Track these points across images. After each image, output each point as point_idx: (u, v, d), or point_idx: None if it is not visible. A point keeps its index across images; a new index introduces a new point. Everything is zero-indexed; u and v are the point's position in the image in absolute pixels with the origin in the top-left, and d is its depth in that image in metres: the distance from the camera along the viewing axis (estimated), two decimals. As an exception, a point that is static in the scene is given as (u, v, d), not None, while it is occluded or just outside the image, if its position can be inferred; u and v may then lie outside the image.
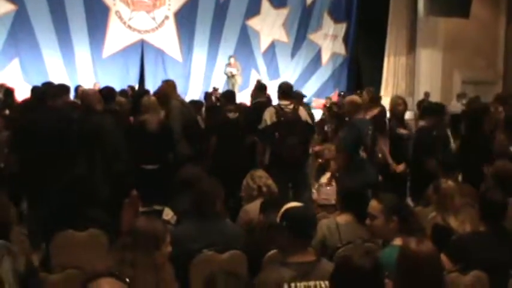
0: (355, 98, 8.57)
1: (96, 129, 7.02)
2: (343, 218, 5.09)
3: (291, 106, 8.23)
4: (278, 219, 3.87)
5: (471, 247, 4.33)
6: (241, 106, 10.40)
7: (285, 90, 8.63)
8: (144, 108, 8.15)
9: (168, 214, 5.51)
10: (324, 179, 8.35)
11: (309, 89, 21.92)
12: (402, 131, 8.81)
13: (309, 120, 8.91)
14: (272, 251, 4.44)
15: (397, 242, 4.14)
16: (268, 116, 8.46)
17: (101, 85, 13.64)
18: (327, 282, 3.45)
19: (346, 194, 5.25)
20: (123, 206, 4.73)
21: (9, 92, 11.60)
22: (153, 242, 3.55)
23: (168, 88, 8.93)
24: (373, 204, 4.46)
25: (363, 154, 7.64)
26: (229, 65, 20.24)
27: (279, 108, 8.29)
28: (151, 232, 3.58)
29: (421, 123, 8.95)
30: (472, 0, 19.62)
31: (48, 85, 8.74)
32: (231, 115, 8.84)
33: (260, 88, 10.33)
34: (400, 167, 8.32)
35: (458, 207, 5.38)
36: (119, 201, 5.15)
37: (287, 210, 3.88)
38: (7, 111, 9.98)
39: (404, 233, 4.13)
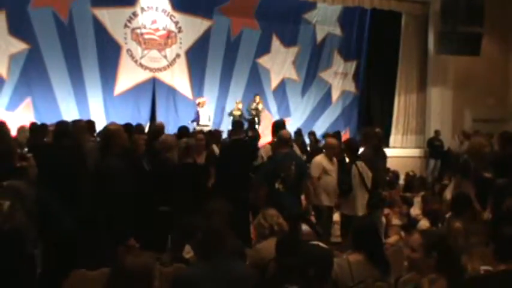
0: (283, 132, 8.71)
1: (104, 173, 6.87)
2: (354, 257, 5.06)
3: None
4: (296, 260, 3.85)
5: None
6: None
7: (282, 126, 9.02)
8: (164, 147, 8.13)
9: (188, 252, 5.49)
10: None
11: (319, 128, 21.96)
12: (487, 175, 8.56)
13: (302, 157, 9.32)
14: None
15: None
16: (265, 153, 8.71)
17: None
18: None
19: (357, 233, 5.23)
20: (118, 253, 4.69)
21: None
22: (146, 280, 3.49)
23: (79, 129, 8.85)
24: (415, 237, 4.42)
25: (279, 187, 7.81)
26: (254, 101, 20.45)
27: None
28: (143, 270, 3.50)
29: None
30: (483, 39, 19.71)
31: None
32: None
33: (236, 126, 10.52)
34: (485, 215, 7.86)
35: (468, 247, 5.35)
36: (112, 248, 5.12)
37: (306, 251, 3.86)
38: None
39: (442, 270, 4.08)
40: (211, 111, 20.56)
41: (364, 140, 10.16)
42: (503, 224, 5.35)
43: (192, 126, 17.50)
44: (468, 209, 6.90)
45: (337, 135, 16.10)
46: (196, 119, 19.13)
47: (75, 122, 8.89)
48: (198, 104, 19.49)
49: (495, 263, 4.48)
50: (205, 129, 17.67)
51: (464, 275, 4.47)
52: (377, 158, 9.56)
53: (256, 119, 19.52)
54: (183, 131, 10.84)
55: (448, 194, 8.48)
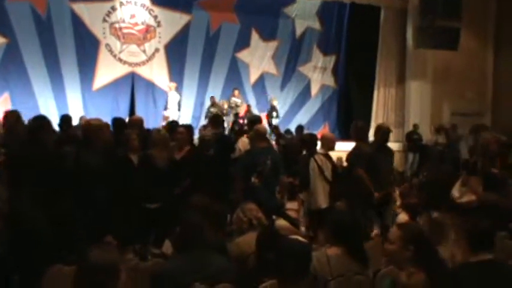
0: (260, 127, 8.76)
1: (85, 170, 6.64)
2: (333, 251, 5.06)
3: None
4: (275, 254, 3.85)
5: (461, 279, 4.30)
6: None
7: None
8: (153, 143, 8.08)
9: (168, 248, 5.47)
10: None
11: (299, 122, 21.95)
12: (495, 171, 8.46)
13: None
14: (263, 285, 4.42)
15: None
16: (242, 146, 8.76)
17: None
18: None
19: (337, 228, 5.23)
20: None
21: None
22: (112, 273, 3.41)
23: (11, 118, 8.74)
24: (393, 230, 4.47)
25: (255, 180, 7.85)
26: (233, 95, 20.45)
27: None
28: (109, 264, 3.43)
29: None
30: (461, 33, 19.82)
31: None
32: None
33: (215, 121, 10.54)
34: None
35: (446, 240, 5.38)
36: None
37: (284, 245, 3.86)
38: None
39: (419, 263, 4.10)
40: (191, 106, 20.63)
41: (357, 135, 9.96)
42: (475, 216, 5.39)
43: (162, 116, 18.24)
44: (446, 202, 6.94)
45: (300, 130, 16.16)
46: (165, 106, 19.49)
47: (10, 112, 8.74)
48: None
49: (467, 254, 4.51)
50: (170, 112, 18.44)
51: (442, 268, 4.50)
52: (380, 155, 9.20)
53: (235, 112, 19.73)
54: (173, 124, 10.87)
55: (455, 192, 8.40)
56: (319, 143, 9.64)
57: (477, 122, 15.73)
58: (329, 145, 9.46)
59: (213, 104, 20.03)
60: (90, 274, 3.35)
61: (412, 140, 20.17)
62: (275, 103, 20.90)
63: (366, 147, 9.40)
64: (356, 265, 4.94)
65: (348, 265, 4.93)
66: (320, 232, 7.96)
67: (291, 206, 9.74)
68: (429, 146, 19.08)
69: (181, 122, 17.89)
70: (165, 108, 19.40)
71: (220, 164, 8.99)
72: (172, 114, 18.86)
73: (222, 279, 4.49)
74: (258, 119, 10.41)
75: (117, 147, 8.13)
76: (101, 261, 3.40)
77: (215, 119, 10.76)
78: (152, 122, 17.98)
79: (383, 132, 9.40)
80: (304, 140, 9.44)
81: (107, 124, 8.03)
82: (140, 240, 6.28)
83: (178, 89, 20.27)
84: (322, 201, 8.81)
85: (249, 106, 20.59)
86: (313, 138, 9.43)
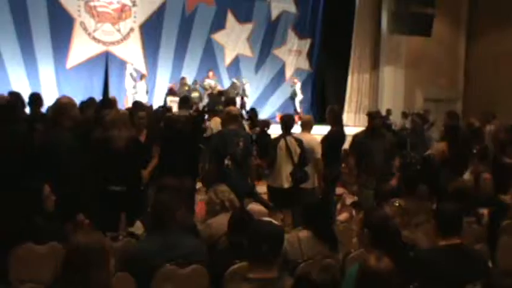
0: (232, 109, 8.80)
1: (50, 147, 6.45)
2: (305, 234, 5.12)
3: None
4: (247, 236, 3.87)
5: (429, 263, 4.37)
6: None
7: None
8: (110, 124, 7.87)
9: (139, 228, 5.47)
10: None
11: (273, 104, 22.07)
12: (507, 160, 8.42)
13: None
14: (234, 266, 4.46)
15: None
16: (215, 125, 8.78)
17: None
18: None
19: (307, 210, 5.29)
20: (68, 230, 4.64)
21: None
22: (103, 256, 3.35)
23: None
24: (360, 214, 4.59)
25: (228, 163, 7.87)
26: (207, 77, 20.39)
27: None
28: (100, 246, 3.37)
29: None
30: (434, 20, 19.95)
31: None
32: None
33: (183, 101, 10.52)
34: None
35: (416, 224, 5.47)
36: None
37: (257, 227, 3.89)
38: None
39: (377, 246, 4.16)
40: (165, 86, 20.58)
41: (332, 119, 9.96)
42: (443, 201, 5.50)
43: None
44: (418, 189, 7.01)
45: (252, 111, 16.22)
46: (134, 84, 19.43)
47: None
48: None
49: (437, 238, 4.59)
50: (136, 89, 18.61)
51: (405, 252, 4.58)
52: (372, 141, 9.10)
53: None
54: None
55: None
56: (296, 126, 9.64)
57: (449, 108, 15.89)
58: (310, 125, 9.50)
59: (183, 85, 19.95)
60: (82, 256, 3.30)
61: (385, 126, 20.27)
62: (247, 87, 20.92)
63: (360, 134, 9.47)
64: (326, 248, 4.99)
65: (319, 248, 4.98)
66: (284, 212, 8.08)
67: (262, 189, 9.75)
68: (396, 131, 19.23)
69: (154, 103, 18.04)
70: (134, 86, 19.23)
71: (192, 143, 8.95)
72: (139, 91, 18.83)
73: (193, 260, 4.52)
74: (231, 100, 10.41)
75: (97, 127, 8.05)
76: (91, 243, 3.35)
77: (183, 100, 10.70)
78: (126, 101, 17.95)
79: (371, 118, 9.40)
80: (281, 121, 9.40)
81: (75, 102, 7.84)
82: (110, 223, 6.23)
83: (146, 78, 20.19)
84: (285, 181, 8.82)
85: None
86: (290, 120, 9.39)
